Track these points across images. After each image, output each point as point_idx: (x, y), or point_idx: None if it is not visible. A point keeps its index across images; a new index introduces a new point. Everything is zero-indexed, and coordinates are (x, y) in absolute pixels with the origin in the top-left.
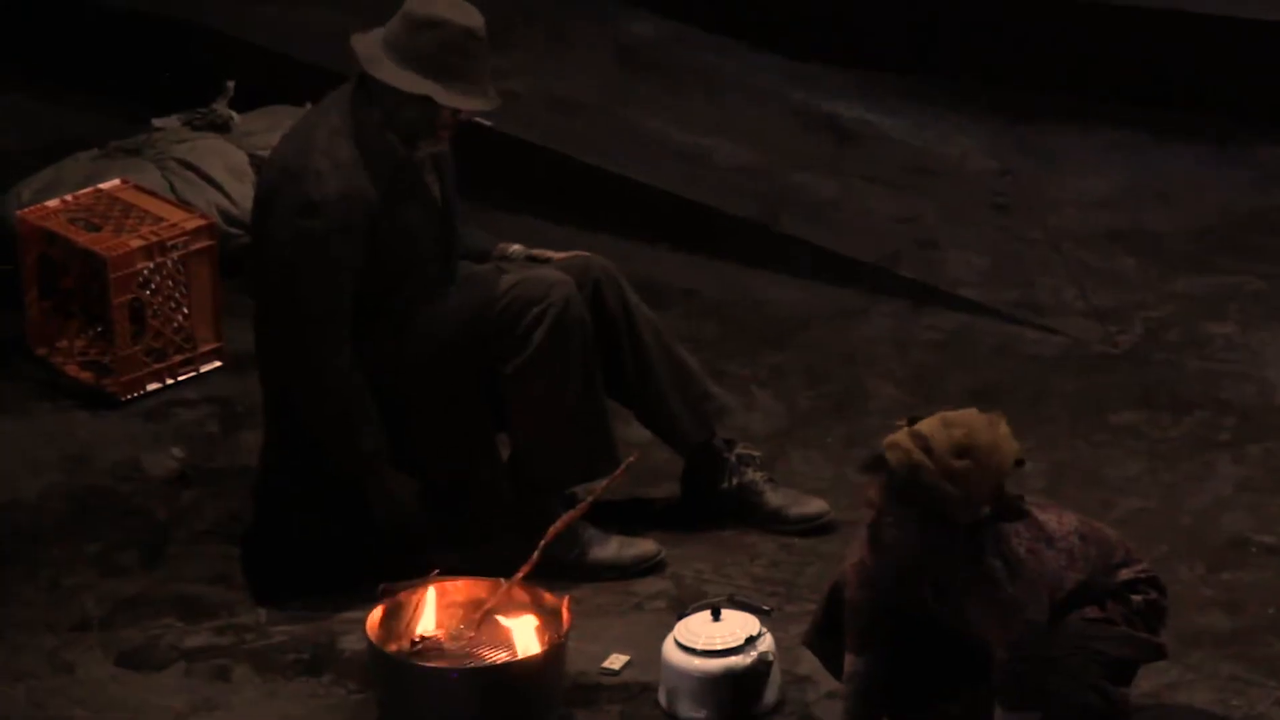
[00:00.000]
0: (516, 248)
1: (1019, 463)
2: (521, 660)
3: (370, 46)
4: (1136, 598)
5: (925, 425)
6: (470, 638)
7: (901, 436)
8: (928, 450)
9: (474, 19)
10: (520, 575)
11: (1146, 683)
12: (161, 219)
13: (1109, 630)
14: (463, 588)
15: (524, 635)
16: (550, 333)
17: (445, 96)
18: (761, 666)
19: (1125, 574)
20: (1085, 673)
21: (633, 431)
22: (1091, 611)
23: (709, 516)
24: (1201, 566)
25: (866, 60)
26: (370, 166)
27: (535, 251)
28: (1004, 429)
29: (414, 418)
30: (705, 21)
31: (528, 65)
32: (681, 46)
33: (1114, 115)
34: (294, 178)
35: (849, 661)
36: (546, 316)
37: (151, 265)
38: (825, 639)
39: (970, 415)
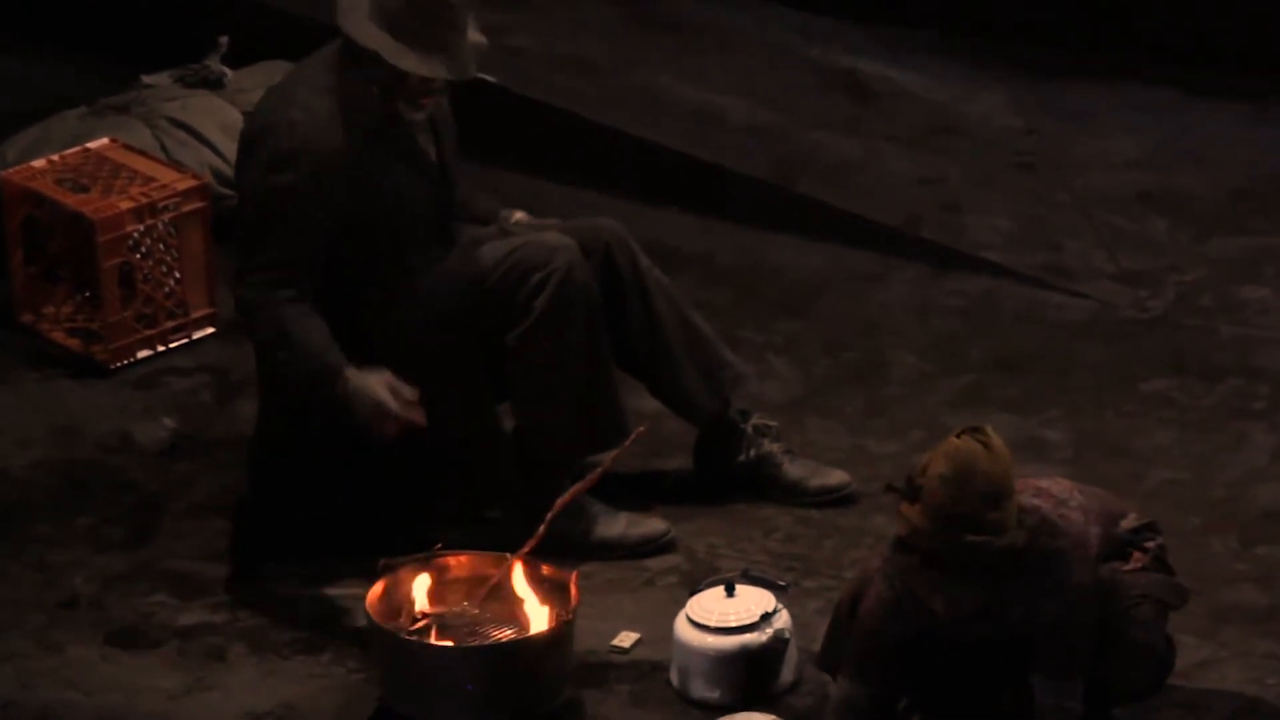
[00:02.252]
0: (520, 215)
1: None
2: (528, 638)
3: (353, 2)
4: (1150, 545)
5: (933, 492)
6: (474, 615)
7: (921, 518)
8: (966, 521)
9: None
10: (526, 550)
11: (1177, 661)
12: (152, 179)
13: (1154, 578)
14: (466, 563)
15: (530, 612)
16: (552, 300)
17: (394, 56)
18: (778, 644)
19: (1127, 523)
20: (1158, 621)
21: (643, 402)
22: (1134, 561)
23: (722, 489)
24: (1235, 540)
25: (887, 14)
26: (349, 123)
27: (540, 222)
28: (992, 439)
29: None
30: None
31: (535, 22)
32: (694, 1)
33: (1144, 72)
34: (268, 130)
35: (848, 688)
36: (548, 283)
37: (142, 228)
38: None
39: (964, 451)
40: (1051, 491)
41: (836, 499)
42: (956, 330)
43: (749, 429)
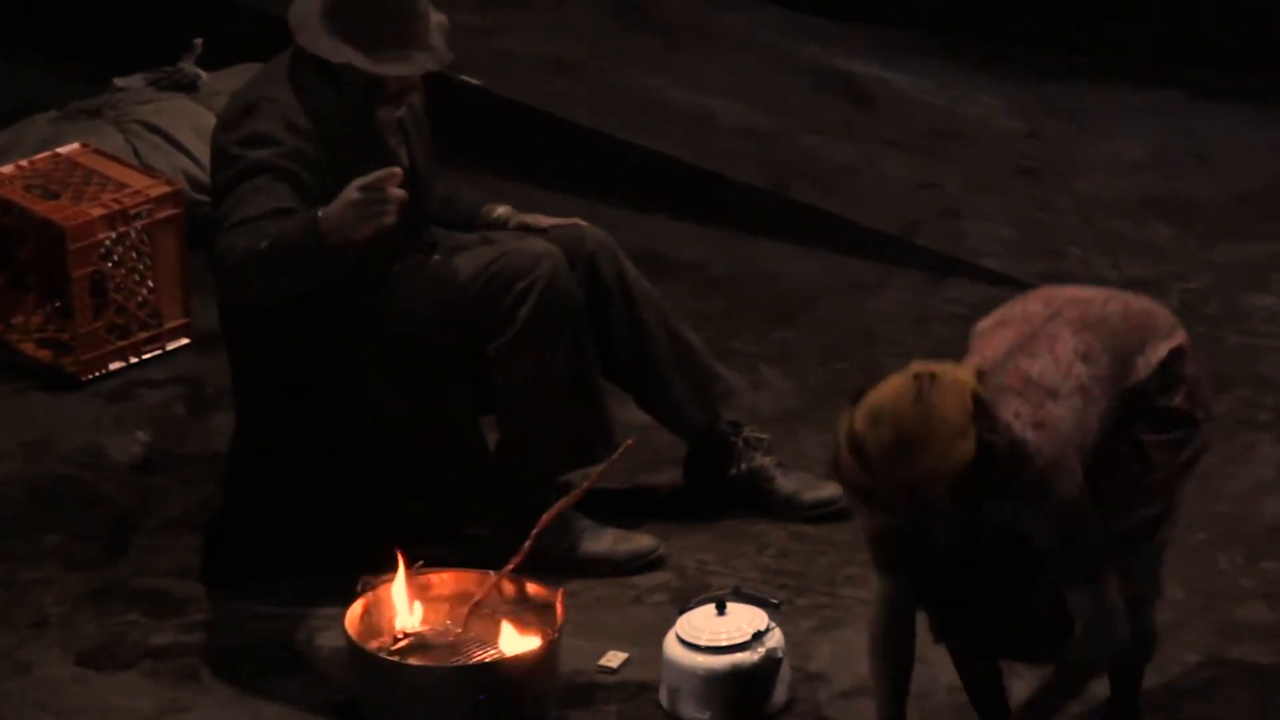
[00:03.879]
0: (503, 209)
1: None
2: (512, 658)
3: (303, 15)
4: (1177, 391)
5: (859, 424)
6: (457, 634)
7: (858, 473)
8: (869, 467)
9: None
10: (510, 567)
11: (1183, 680)
12: (124, 185)
13: (1156, 483)
14: (449, 581)
15: (515, 631)
16: (535, 310)
17: (368, 63)
18: (770, 664)
19: (1146, 359)
20: (1155, 575)
21: (631, 414)
22: (1130, 470)
23: (713, 504)
24: (1241, 556)
25: (883, 15)
26: (313, 125)
27: (524, 217)
28: (936, 392)
29: (392, 400)
30: None
31: (523, 23)
32: (685, 2)
33: (1147, 74)
34: (234, 124)
35: (878, 585)
36: (531, 292)
37: (114, 235)
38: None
39: (895, 397)
40: (1042, 382)
41: (831, 513)
42: (956, 339)
43: (740, 442)
